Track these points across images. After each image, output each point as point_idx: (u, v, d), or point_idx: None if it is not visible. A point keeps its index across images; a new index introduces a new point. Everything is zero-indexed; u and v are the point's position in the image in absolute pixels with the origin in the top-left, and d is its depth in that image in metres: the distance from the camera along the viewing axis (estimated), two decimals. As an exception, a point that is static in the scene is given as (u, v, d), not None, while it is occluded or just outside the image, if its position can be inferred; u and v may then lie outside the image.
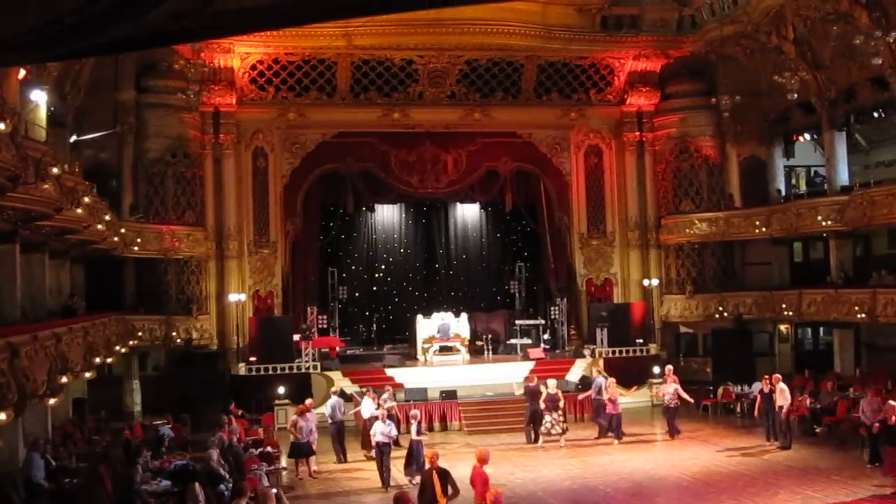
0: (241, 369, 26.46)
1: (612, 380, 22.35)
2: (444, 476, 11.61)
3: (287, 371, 25.90)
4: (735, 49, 27.50)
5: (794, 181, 31.15)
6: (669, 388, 21.55)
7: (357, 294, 32.74)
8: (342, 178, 30.29)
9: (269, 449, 18.10)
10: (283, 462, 18.53)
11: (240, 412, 22.07)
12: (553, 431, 20.86)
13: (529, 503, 15.88)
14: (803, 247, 30.01)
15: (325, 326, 29.74)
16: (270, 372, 25.86)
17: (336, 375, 25.90)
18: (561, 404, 21.20)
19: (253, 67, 28.05)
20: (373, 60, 28.34)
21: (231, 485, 13.41)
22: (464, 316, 29.55)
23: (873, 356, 25.85)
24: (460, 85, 29.32)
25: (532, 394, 21.42)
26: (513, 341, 29.70)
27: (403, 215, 34.08)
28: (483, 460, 12.00)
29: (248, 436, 19.21)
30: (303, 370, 26.00)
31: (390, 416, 18.81)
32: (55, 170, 14.34)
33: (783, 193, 29.58)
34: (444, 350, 28.52)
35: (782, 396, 19.66)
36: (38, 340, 12.44)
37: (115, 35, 3.67)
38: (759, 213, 28.15)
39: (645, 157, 30.77)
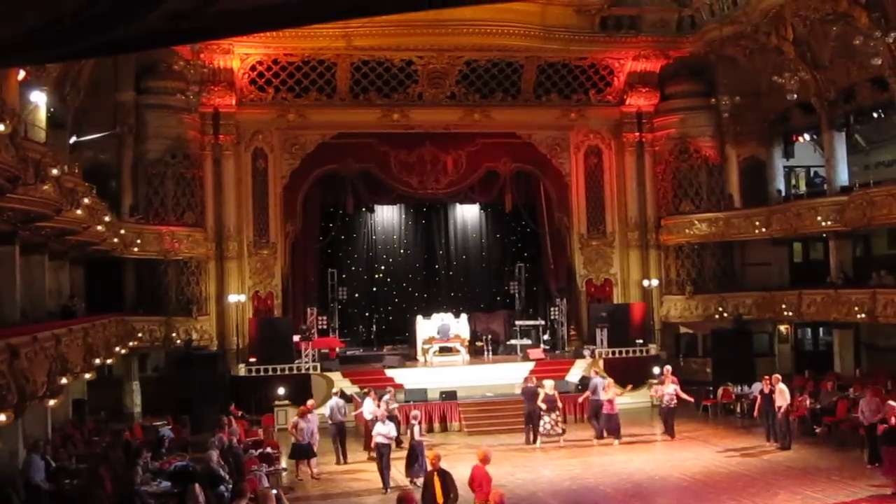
0: (241, 370, 26.47)
1: (609, 380, 22.35)
2: (446, 479, 11.62)
3: (287, 372, 25.92)
4: (734, 49, 27.51)
5: (793, 181, 31.19)
6: (668, 389, 21.55)
7: (357, 295, 32.73)
8: (342, 178, 30.29)
9: (269, 450, 18.09)
10: (284, 463, 18.53)
11: (240, 413, 22.10)
12: (552, 433, 20.88)
13: (530, 504, 15.90)
14: (803, 247, 30.03)
15: (324, 327, 29.73)
16: (270, 373, 25.86)
17: (336, 376, 25.91)
18: (558, 405, 21.22)
19: (252, 68, 28.06)
20: (372, 61, 28.34)
21: (231, 486, 13.40)
22: (464, 317, 29.55)
23: (873, 356, 25.86)
24: (460, 86, 29.33)
25: (530, 394, 21.43)
26: (513, 342, 29.69)
27: (403, 216, 34.08)
28: (485, 461, 12.04)
29: (248, 437, 19.21)
30: (303, 371, 26.02)
31: (391, 417, 18.82)
32: (55, 171, 14.32)
33: (783, 194, 29.60)
34: (444, 351, 28.53)
35: (781, 397, 19.65)
36: (38, 342, 12.43)
37: (114, 36, 3.66)
38: (758, 214, 28.15)
39: (645, 158, 30.79)
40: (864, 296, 22.65)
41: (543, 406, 21.00)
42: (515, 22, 26.94)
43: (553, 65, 29.48)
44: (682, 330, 30.62)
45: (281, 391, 24.45)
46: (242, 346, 27.55)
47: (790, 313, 26.37)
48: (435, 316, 29.20)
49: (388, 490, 16.83)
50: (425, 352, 28.43)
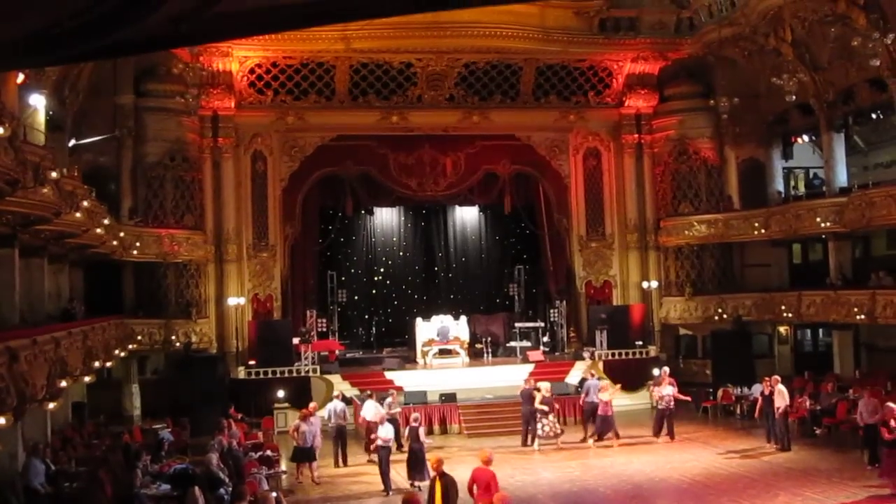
0: (241, 373, 26.47)
1: (606, 382, 22.36)
2: (447, 483, 11.65)
3: (286, 375, 25.94)
4: (733, 51, 27.53)
5: (792, 183, 31.24)
6: (666, 391, 21.57)
7: (356, 297, 32.70)
8: (341, 181, 30.29)
9: (268, 452, 18.08)
10: (283, 466, 18.52)
11: (239, 416, 22.10)
12: (549, 434, 20.89)
13: (529, 506, 15.88)
14: (802, 248, 30.05)
15: (324, 330, 29.69)
16: (270, 375, 25.86)
17: (335, 379, 25.90)
18: (555, 407, 21.24)
19: (251, 71, 28.08)
20: (371, 64, 28.35)
21: (231, 489, 13.40)
22: (463, 319, 29.54)
23: (873, 357, 25.87)
24: (459, 88, 29.35)
25: (526, 397, 21.43)
26: (512, 344, 29.67)
27: (402, 218, 34.06)
28: (488, 463, 12.06)
29: (248, 440, 19.20)
30: (302, 374, 26.04)
31: (391, 420, 18.81)
32: (54, 174, 14.34)
33: (782, 195, 29.61)
34: (444, 353, 28.50)
35: (781, 398, 19.64)
36: (38, 345, 12.43)
37: (114, 39, 3.66)
38: (757, 215, 28.16)
39: (644, 160, 30.81)
40: (864, 297, 22.66)
41: (545, 408, 21.01)
42: (514, 24, 26.96)
43: (552, 67, 29.50)
44: (682, 331, 30.63)
45: (280, 394, 24.43)
46: (242, 349, 27.54)
47: (790, 314, 26.37)
48: (434, 318, 29.18)
49: (390, 493, 16.82)
50: (425, 354, 28.41)
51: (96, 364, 17.10)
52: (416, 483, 16.54)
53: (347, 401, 22.00)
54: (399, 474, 17.66)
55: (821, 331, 28.81)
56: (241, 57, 27.46)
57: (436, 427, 23.60)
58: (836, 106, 25.77)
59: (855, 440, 18.89)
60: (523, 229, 33.10)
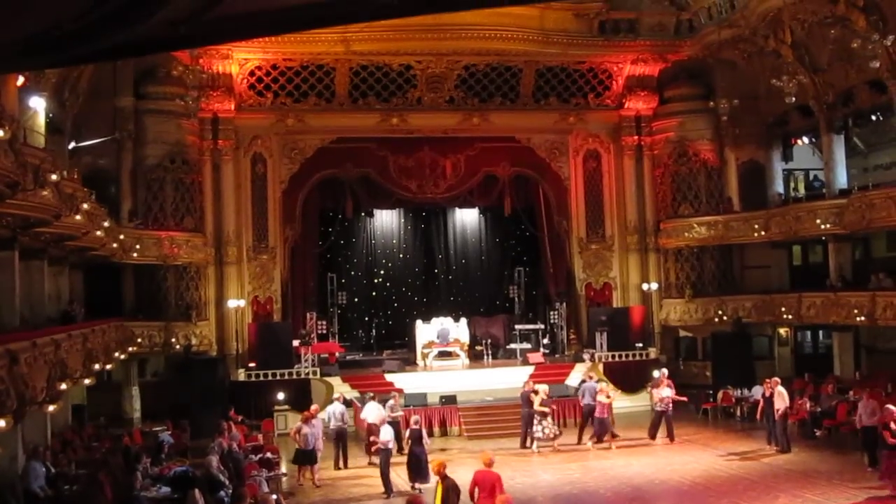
0: (241, 375, 26.47)
1: (603, 384, 22.37)
2: (449, 488, 11.66)
3: (286, 377, 25.94)
4: (733, 53, 27.55)
5: (792, 185, 31.22)
6: (664, 393, 21.57)
7: (356, 299, 32.71)
8: (341, 183, 30.29)
9: (268, 455, 18.08)
10: (283, 468, 18.50)
11: (239, 418, 22.09)
12: (551, 436, 20.89)
13: (530, 508, 15.88)
14: (802, 250, 30.05)
15: (324, 332, 29.69)
16: (270, 378, 25.86)
17: (335, 381, 25.88)
18: (546, 410, 21.25)
19: (251, 73, 28.09)
20: (371, 66, 28.37)
21: (231, 491, 13.39)
22: (463, 321, 29.55)
23: (873, 359, 25.86)
24: (458, 90, 29.36)
25: (525, 399, 21.43)
26: (512, 346, 29.68)
27: (402, 220, 34.06)
28: (490, 465, 12.08)
29: (248, 442, 19.19)
30: (302, 376, 26.04)
31: (391, 423, 18.79)
32: (54, 176, 14.34)
33: (782, 197, 29.60)
34: (444, 355, 28.51)
35: (780, 400, 19.64)
36: (37, 347, 12.42)
37: (113, 41, 3.67)
38: (757, 217, 28.16)
39: (643, 161, 30.81)
40: (864, 298, 22.67)
41: (547, 409, 21.02)
42: (514, 26, 26.97)
43: (552, 69, 29.52)
44: (682, 333, 30.62)
45: (280, 396, 24.42)
46: (242, 351, 27.53)
47: (790, 316, 26.37)
48: (434, 320, 29.20)
49: (392, 495, 16.81)
50: (425, 356, 28.41)
51: (96, 366, 17.09)
52: (418, 486, 16.53)
53: (347, 403, 21.99)
54: (399, 477, 17.65)
55: (821, 332, 28.80)
56: (241, 59, 27.48)
57: (436, 429, 23.57)
58: (836, 108, 25.78)
59: (855, 442, 18.86)
60: (523, 231, 33.09)
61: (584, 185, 30.97)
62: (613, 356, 27.78)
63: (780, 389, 19.85)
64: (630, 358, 28.01)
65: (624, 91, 30.23)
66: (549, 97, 30.10)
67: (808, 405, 21.49)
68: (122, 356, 22.37)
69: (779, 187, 29.85)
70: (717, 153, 29.95)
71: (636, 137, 30.75)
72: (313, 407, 19.73)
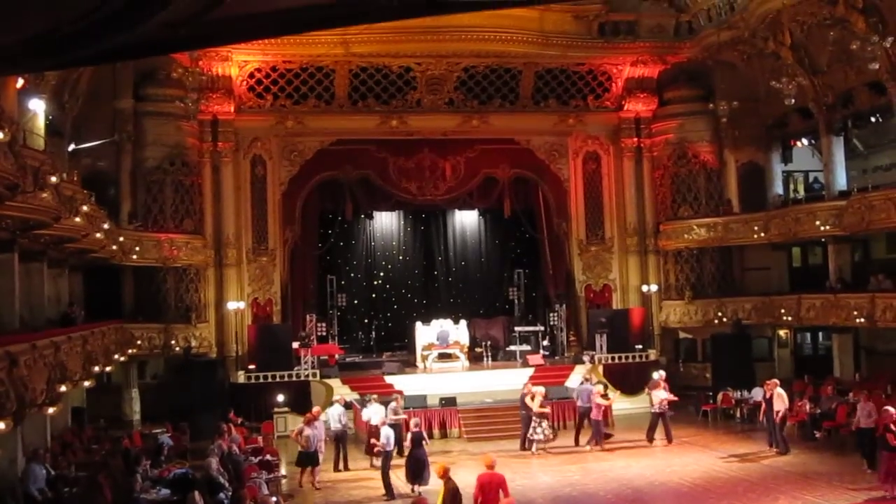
0: (241, 377, 26.45)
1: (600, 385, 22.38)
2: (449, 490, 11.66)
3: (286, 379, 25.88)
4: (732, 55, 27.57)
5: (792, 186, 31.22)
6: (662, 394, 21.57)
7: (356, 301, 32.69)
8: (341, 185, 30.28)
9: (268, 457, 18.06)
10: (283, 470, 18.49)
11: (239, 420, 22.07)
12: (551, 438, 20.89)
13: (529, 510, 15.87)
14: (802, 252, 30.07)
15: (324, 334, 29.68)
16: (269, 380, 25.82)
17: (335, 383, 25.87)
18: (547, 411, 21.25)
19: (251, 75, 28.10)
20: (371, 68, 28.39)
21: (230, 493, 13.40)
22: (463, 323, 29.53)
23: (872, 360, 25.86)
24: (458, 92, 29.37)
25: (523, 401, 21.42)
26: (512, 348, 29.64)
27: (402, 222, 34.04)
28: (492, 467, 12.10)
29: (248, 444, 19.17)
30: (302, 378, 26.01)
31: (392, 425, 18.78)
32: (53, 178, 14.35)
33: (782, 198, 29.61)
34: (444, 357, 28.48)
35: (780, 401, 19.64)
36: (37, 349, 12.42)
37: (113, 44, 3.67)
38: (757, 219, 28.17)
39: (643, 163, 30.83)
40: (863, 300, 22.67)
41: (547, 410, 21.01)
42: (513, 28, 26.98)
43: (551, 71, 29.54)
44: (682, 335, 30.62)
45: (280, 398, 24.40)
46: (241, 353, 27.53)
47: (789, 318, 26.38)
48: (434, 322, 29.19)
49: (392, 497, 16.80)
50: (424, 358, 28.40)
51: (96, 369, 17.09)
52: (417, 488, 16.52)
53: (348, 405, 21.97)
54: (398, 479, 17.65)
55: (820, 334, 28.81)
56: (240, 61, 27.49)
57: (436, 431, 23.54)
58: (836, 109, 25.79)
59: (855, 444, 18.86)
60: (523, 233, 33.07)
61: (583, 187, 30.97)
62: (613, 358, 27.76)
63: (780, 391, 19.84)
64: (630, 360, 27.99)
65: (623, 93, 30.24)
66: (549, 99, 30.12)
67: (807, 407, 21.49)
68: (122, 358, 22.38)
69: (778, 189, 29.86)
70: (717, 155, 29.96)
71: (636, 139, 30.76)
72: (315, 409, 19.69)
